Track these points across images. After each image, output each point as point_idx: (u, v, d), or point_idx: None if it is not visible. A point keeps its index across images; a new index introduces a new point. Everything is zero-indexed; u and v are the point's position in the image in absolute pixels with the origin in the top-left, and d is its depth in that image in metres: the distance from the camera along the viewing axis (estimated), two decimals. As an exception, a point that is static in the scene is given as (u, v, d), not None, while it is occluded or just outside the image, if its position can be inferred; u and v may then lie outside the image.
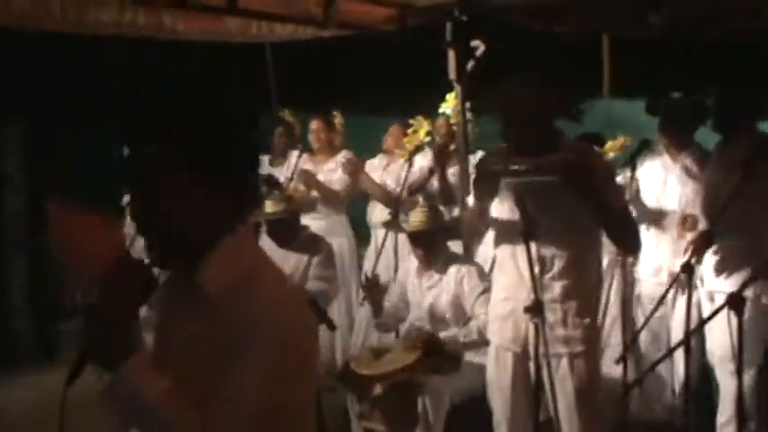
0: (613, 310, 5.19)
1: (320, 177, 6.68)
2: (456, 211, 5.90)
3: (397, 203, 5.85)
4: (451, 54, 5.62)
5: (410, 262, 5.09)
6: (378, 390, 4.50)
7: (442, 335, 4.64)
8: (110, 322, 1.70)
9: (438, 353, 4.50)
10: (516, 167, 3.47)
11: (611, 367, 4.54)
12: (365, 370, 4.51)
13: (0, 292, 7.17)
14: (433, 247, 4.88)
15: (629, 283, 5.12)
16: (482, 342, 4.28)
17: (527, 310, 3.42)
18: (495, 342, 3.87)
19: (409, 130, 6.32)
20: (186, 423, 1.70)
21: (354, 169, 6.63)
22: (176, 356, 1.82)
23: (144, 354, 1.74)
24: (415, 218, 4.90)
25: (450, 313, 4.75)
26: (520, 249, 3.51)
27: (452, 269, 4.80)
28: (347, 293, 6.63)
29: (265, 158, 7.14)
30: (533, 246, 3.49)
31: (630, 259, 4.98)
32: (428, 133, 6.24)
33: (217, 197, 1.81)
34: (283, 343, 1.75)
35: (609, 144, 5.76)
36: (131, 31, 4.38)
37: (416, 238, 4.92)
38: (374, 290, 4.94)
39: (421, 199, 5.98)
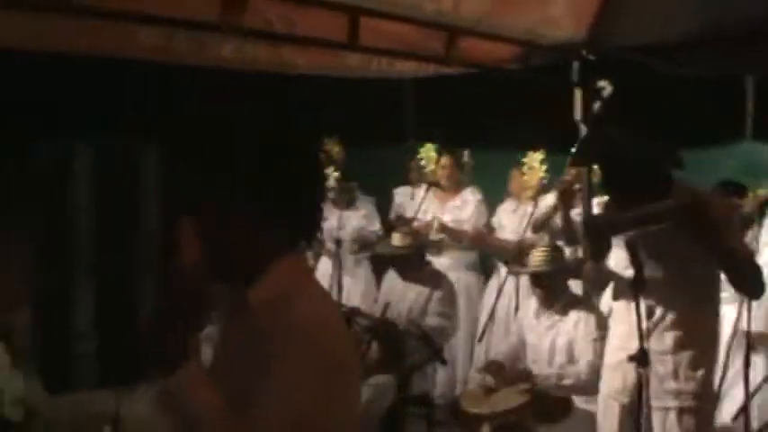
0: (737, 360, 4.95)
1: (446, 215, 6.83)
2: (580, 251, 5.78)
3: (521, 242, 5.95)
4: (578, 94, 5.55)
5: (530, 301, 5.10)
6: (486, 429, 4.53)
7: (551, 377, 4.65)
8: (168, 329, 1.79)
9: (548, 397, 4.51)
10: (624, 219, 3.38)
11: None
12: (474, 408, 4.57)
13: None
14: (553, 288, 4.90)
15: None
16: (588, 388, 4.28)
17: (631, 359, 3.39)
18: (604, 391, 3.83)
19: (524, 168, 6.45)
20: None
21: (481, 238, 6.78)
22: (226, 370, 1.91)
23: (197, 364, 1.80)
24: (537, 258, 4.92)
25: (564, 357, 4.73)
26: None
27: (572, 314, 4.80)
28: (471, 328, 6.72)
29: (399, 190, 7.45)
30: (644, 295, 3.44)
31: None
32: (542, 161, 6.40)
33: (272, 225, 1.91)
34: (314, 359, 1.79)
35: (750, 196, 5.46)
36: (252, 66, 4.56)
37: (537, 279, 4.94)
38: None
39: (546, 238, 5.90)
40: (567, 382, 4.56)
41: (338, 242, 6.86)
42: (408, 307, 5.50)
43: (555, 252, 4.95)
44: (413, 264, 5.64)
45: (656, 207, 3.33)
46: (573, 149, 5.45)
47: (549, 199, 6.23)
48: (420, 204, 6.69)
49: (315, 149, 2.06)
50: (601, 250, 3.67)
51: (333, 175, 6.90)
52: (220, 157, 1.91)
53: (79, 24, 3.94)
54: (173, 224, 1.85)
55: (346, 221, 7.03)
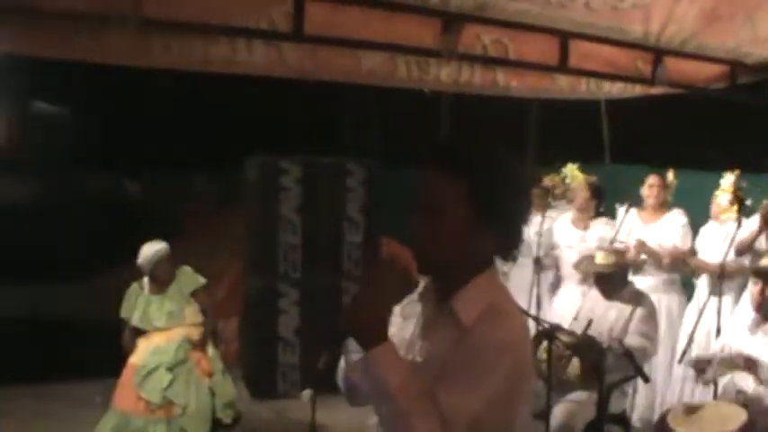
0: None
1: (649, 236, 6.85)
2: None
3: (723, 265, 5.96)
4: (788, 113, 5.54)
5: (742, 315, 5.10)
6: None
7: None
8: (371, 306, 2.04)
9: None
10: None
11: None
12: (681, 428, 4.52)
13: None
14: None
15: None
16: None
17: None
18: None
19: (719, 189, 6.49)
20: (420, 417, 1.98)
21: (684, 260, 6.78)
22: (425, 354, 2.18)
23: (393, 344, 2.07)
24: None
25: None
26: None
27: None
28: (671, 350, 6.71)
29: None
30: None
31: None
32: (739, 184, 6.38)
33: (484, 232, 2.14)
34: (519, 366, 2.09)
35: None
36: (468, 89, 4.84)
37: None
38: None
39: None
40: None
41: (538, 260, 7.17)
42: (609, 326, 5.54)
43: None
44: (615, 283, 5.72)
45: None
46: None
47: (753, 222, 6.21)
48: (620, 225, 6.81)
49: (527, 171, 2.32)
50: None
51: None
52: (460, 165, 2.14)
53: (308, 51, 4.36)
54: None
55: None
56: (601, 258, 5.80)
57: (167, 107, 11.20)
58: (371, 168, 7.84)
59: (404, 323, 2.28)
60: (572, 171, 7.61)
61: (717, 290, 5.82)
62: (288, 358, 7.63)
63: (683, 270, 6.91)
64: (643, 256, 6.75)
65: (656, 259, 6.76)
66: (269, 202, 7.58)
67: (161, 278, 6.18)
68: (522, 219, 2.23)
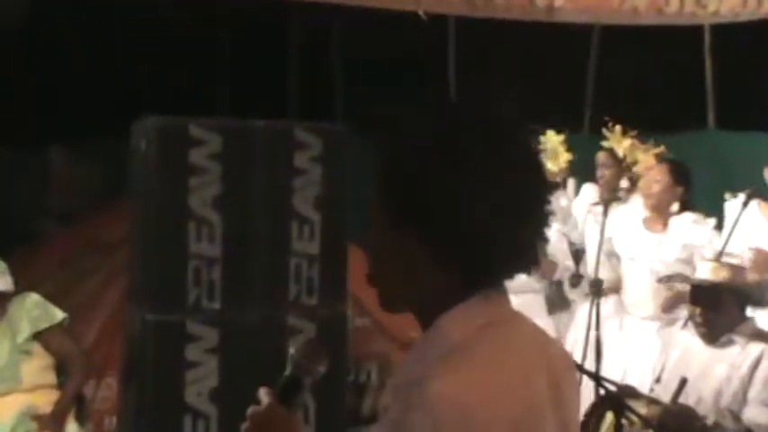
0: None
1: None
2: None
3: None
4: None
5: None
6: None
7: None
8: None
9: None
10: None
11: None
12: None
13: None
14: None
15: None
16: None
17: None
18: None
19: None
20: None
21: None
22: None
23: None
24: None
25: None
26: None
27: None
28: None
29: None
30: None
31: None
32: None
33: (440, 265, 1.91)
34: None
35: None
36: (491, 11, 4.55)
37: None
38: None
39: None
40: None
41: (596, 284, 5.84)
42: (716, 389, 4.70)
43: None
44: (727, 316, 4.76)
45: None
46: None
47: None
48: (733, 227, 5.64)
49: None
50: None
51: None
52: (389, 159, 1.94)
53: None
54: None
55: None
56: (709, 273, 4.90)
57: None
58: (334, 138, 5.80)
59: None
60: (619, 142, 6.28)
61: None
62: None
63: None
64: None
65: None
66: (171, 192, 5.55)
67: None
68: (487, 241, 1.87)
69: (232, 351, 5.66)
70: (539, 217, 1.93)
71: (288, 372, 2.19)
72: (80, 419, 5.55)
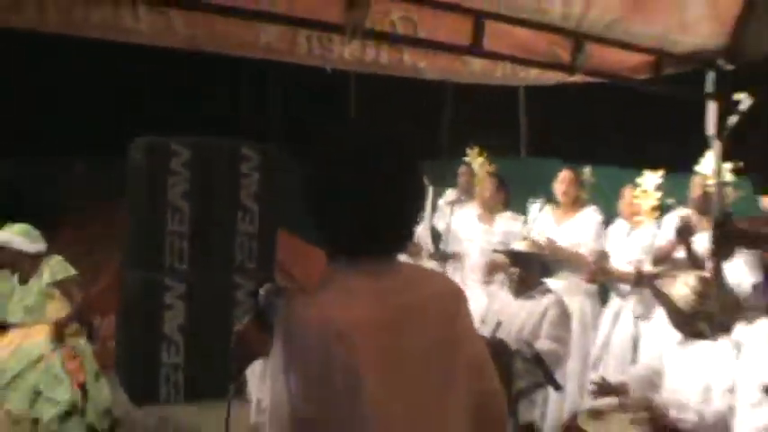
0: None
1: (561, 235, 6.76)
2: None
3: (639, 275, 6.06)
4: (711, 107, 5.44)
5: (672, 333, 4.96)
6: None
7: (681, 415, 4.53)
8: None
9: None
10: None
11: None
12: (589, 429, 4.54)
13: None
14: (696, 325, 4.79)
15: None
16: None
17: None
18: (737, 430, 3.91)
19: (637, 190, 6.46)
20: None
21: (599, 267, 6.66)
22: None
23: None
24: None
25: (699, 397, 4.59)
26: None
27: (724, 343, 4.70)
28: (583, 357, 6.67)
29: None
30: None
31: None
32: (659, 185, 6.38)
33: (318, 223, 2.25)
34: (314, 354, 2.10)
35: None
36: (372, 68, 4.61)
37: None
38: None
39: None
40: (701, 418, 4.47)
41: (443, 256, 7.14)
42: (519, 328, 5.46)
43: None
44: (529, 278, 5.64)
45: None
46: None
47: (669, 226, 6.22)
48: (533, 222, 6.76)
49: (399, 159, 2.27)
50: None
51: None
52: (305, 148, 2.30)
53: (202, 20, 4.05)
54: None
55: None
56: (522, 246, 5.76)
57: (55, 79, 10.54)
58: (268, 153, 7.56)
59: None
60: (474, 159, 7.55)
61: (632, 296, 5.67)
62: (172, 359, 7.23)
63: (595, 277, 6.83)
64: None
65: (570, 259, 6.68)
66: (155, 188, 7.22)
67: (13, 267, 6.00)
68: (379, 212, 2.21)
69: (195, 298, 7.26)
70: (403, 209, 2.26)
71: (260, 303, 2.56)
72: (91, 340, 6.46)
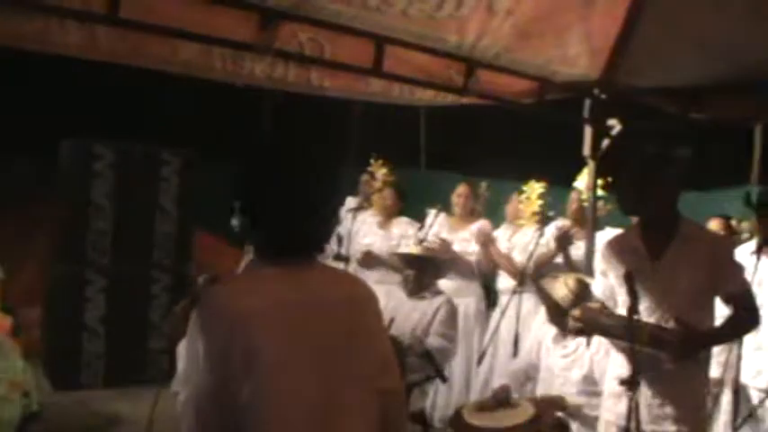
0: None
1: (455, 246, 7.04)
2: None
3: (522, 275, 6.18)
4: (588, 131, 5.90)
5: (548, 327, 5.19)
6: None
7: (569, 401, 4.79)
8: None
9: (552, 418, 4.61)
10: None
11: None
12: (475, 421, 4.63)
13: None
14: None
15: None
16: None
17: (623, 383, 3.57)
18: (604, 416, 4.07)
19: (522, 197, 6.78)
20: None
21: (486, 241, 6.99)
22: None
23: None
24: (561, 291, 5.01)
25: (580, 387, 4.88)
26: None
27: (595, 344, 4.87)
28: (468, 351, 6.95)
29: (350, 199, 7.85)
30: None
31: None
32: (541, 194, 6.69)
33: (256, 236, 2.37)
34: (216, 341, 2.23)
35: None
36: (281, 85, 4.94)
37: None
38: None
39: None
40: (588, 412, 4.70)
41: (339, 256, 7.16)
42: (412, 325, 5.62)
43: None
44: (422, 279, 5.81)
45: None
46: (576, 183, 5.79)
47: (549, 242, 6.55)
48: (429, 228, 6.98)
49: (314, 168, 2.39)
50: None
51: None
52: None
53: (123, 36, 4.32)
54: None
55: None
56: (414, 250, 5.97)
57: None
58: (187, 158, 7.83)
59: None
60: (377, 169, 7.72)
61: (516, 296, 6.07)
62: (93, 347, 7.53)
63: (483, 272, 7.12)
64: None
65: (461, 262, 7.01)
66: (80, 187, 7.49)
67: None
68: (297, 216, 2.34)
69: (115, 291, 7.51)
70: (318, 213, 2.38)
71: (197, 288, 2.82)
72: (16, 331, 6.19)
